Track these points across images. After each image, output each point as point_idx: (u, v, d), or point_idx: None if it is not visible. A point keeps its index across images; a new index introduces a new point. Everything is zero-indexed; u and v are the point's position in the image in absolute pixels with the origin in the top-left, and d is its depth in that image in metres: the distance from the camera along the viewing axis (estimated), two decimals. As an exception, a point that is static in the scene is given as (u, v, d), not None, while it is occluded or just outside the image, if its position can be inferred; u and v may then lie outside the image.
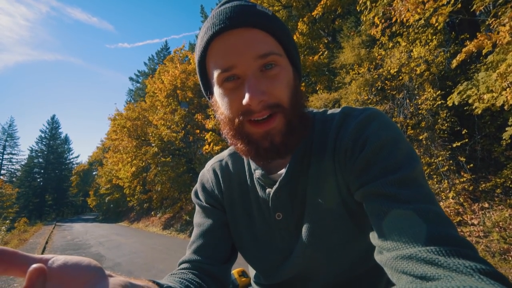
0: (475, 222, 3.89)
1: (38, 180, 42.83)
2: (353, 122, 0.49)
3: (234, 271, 0.81)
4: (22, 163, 42.73)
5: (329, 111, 0.56)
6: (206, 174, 0.67)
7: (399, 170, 0.41)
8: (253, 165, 0.58)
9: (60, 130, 47.71)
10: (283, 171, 0.54)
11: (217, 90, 0.49)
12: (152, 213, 14.72)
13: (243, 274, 0.81)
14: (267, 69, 0.45)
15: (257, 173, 0.56)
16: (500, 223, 3.66)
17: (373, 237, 0.42)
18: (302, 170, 0.53)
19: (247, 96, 0.43)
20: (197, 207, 0.67)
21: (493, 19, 3.27)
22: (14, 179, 41.03)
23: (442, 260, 0.31)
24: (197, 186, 0.68)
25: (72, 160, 48.42)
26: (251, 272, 0.74)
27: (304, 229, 0.53)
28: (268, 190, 0.56)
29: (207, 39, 0.45)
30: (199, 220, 0.64)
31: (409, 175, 0.40)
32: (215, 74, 0.46)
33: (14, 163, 42.26)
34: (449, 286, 0.27)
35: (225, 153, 0.68)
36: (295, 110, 0.47)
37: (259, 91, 0.43)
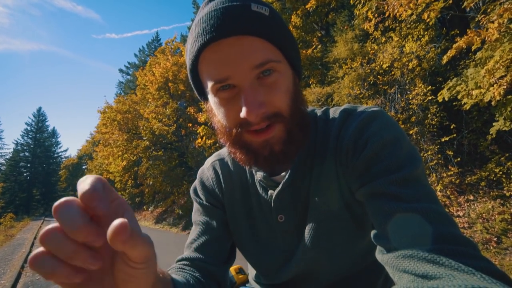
0: (461, 214, 4.04)
1: (25, 174, 41.61)
2: (355, 121, 0.48)
3: (231, 268, 0.81)
4: (7, 157, 41.31)
5: (331, 110, 0.55)
6: (206, 172, 0.66)
7: (401, 170, 0.41)
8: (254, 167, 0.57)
9: (47, 123, 46.19)
10: (285, 173, 0.53)
11: (212, 99, 0.46)
12: (144, 207, 14.60)
13: (240, 271, 0.81)
14: (265, 76, 0.42)
15: (259, 175, 0.55)
16: (484, 214, 3.82)
17: (375, 236, 0.42)
18: (305, 172, 0.53)
19: (244, 110, 0.41)
20: (196, 205, 0.66)
21: (482, 16, 3.32)
22: (-2, 173, 39.78)
23: (444, 259, 0.31)
24: (196, 183, 0.66)
25: (60, 154, 47.14)
26: (250, 270, 0.74)
27: (307, 231, 0.53)
28: (270, 192, 0.55)
29: (198, 48, 0.41)
30: (199, 218, 0.63)
31: (411, 174, 0.40)
32: (209, 84, 0.43)
33: (-2, 157, 40.87)
34: (451, 285, 0.27)
35: (226, 151, 0.66)
36: (295, 118, 0.46)
37: (257, 103, 0.41)
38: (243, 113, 0.41)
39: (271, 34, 0.42)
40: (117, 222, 0.22)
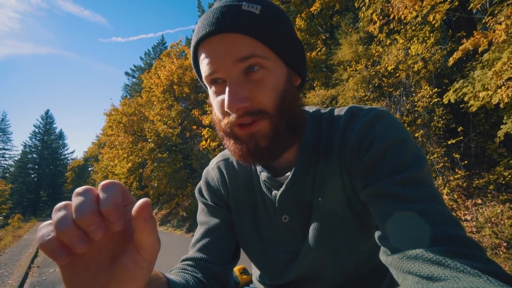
0: (468, 218, 3.96)
1: (32, 175, 42.32)
2: (360, 122, 0.48)
3: (235, 269, 0.81)
4: (16, 158, 42.10)
5: (336, 111, 0.55)
6: (211, 172, 0.66)
7: (406, 170, 0.41)
8: (258, 167, 0.57)
9: (54, 125, 46.94)
10: (289, 173, 0.53)
11: (209, 90, 0.50)
12: (149, 209, 14.66)
13: (244, 271, 0.81)
14: (251, 72, 0.43)
15: (263, 175, 0.56)
16: (492, 218, 3.74)
17: (379, 237, 0.42)
18: (309, 172, 0.53)
19: (226, 102, 0.43)
20: (201, 205, 0.66)
21: (489, 17, 3.29)
22: (7, 174, 40.43)
23: (449, 261, 0.30)
24: (202, 183, 0.67)
25: (67, 155, 47.81)
26: (254, 270, 0.74)
27: (311, 232, 0.53)
28: (274, 192, 0.56)
29: (194, 44, 0.46)
30: (204, 218, 0.63)
31: (416, 175, 0.40)
32: (203, 77, 0.47)
33: (7, 159, 41.57)
34: (456, 287, 0.27)
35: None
36: (283, 116, 0.46)
37: (239, 97, 0.42)
38: (225, 106, 0.43)
39: (258, 31, 0.43)
40: (141, 200, 0.26)
